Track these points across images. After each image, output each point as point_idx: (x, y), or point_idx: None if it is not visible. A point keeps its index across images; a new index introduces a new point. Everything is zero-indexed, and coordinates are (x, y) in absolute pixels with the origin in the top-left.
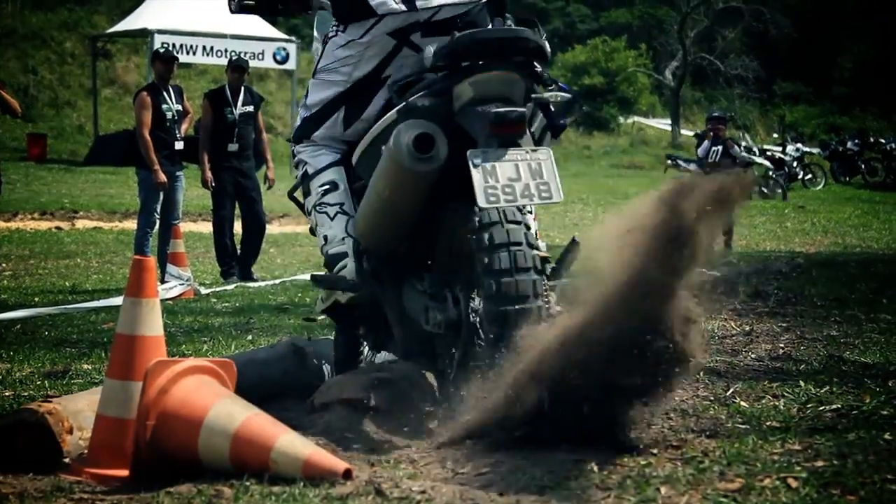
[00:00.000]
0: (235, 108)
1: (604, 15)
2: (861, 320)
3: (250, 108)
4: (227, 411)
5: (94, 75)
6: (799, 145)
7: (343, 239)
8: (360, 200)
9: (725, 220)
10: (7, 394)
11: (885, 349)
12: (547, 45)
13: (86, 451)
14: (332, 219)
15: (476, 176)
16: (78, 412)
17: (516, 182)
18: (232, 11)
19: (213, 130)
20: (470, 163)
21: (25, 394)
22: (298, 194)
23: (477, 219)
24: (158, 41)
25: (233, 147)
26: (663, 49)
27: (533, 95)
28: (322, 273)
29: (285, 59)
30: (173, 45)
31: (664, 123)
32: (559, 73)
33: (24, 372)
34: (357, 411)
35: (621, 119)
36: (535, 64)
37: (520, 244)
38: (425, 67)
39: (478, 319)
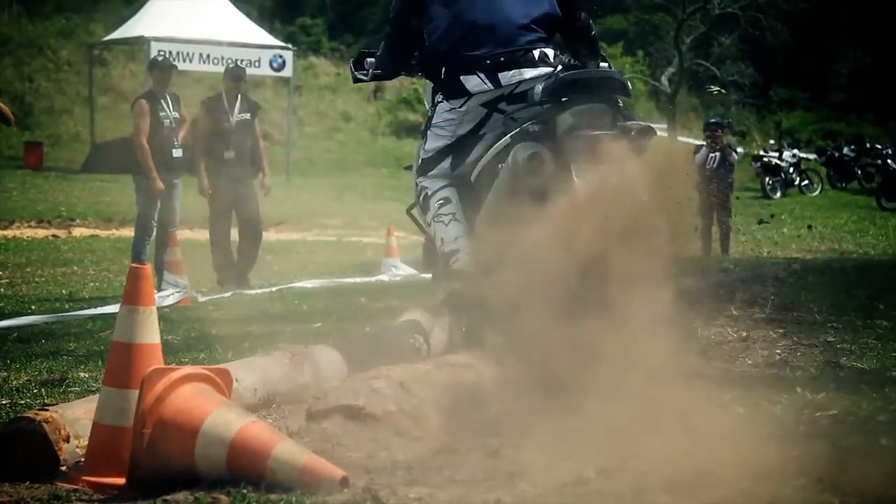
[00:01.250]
0: (232, 116)
1: (600, 21)
2: (858, 326)
3: (247, 116)
4: (224, 419)
5: (90, 83)
6: (795, 151)
7: (456, 239)
8: (469, 212)
9: (722, 226)
10: (4, 402)
11: (882, 355)
12: (628, 83)
13: (83, 459)
14: (447, 225)
15: (579, 186)
16: (75, 420)
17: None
18: (354, 81)
19: (210, 138)
20: (573, 176)
21: (22, 402)
22: (416, 212)
23: None
24: (155, 49)
25: (229, 155)
26: (659, 55)
27: (618, 123)
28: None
29: (282, 67)
30: (170, 53)
31: (661, 129)
32: None
33: (20, 380)
34: (354, 418)
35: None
36: (619, 98)
37: None
38: (534, 101)
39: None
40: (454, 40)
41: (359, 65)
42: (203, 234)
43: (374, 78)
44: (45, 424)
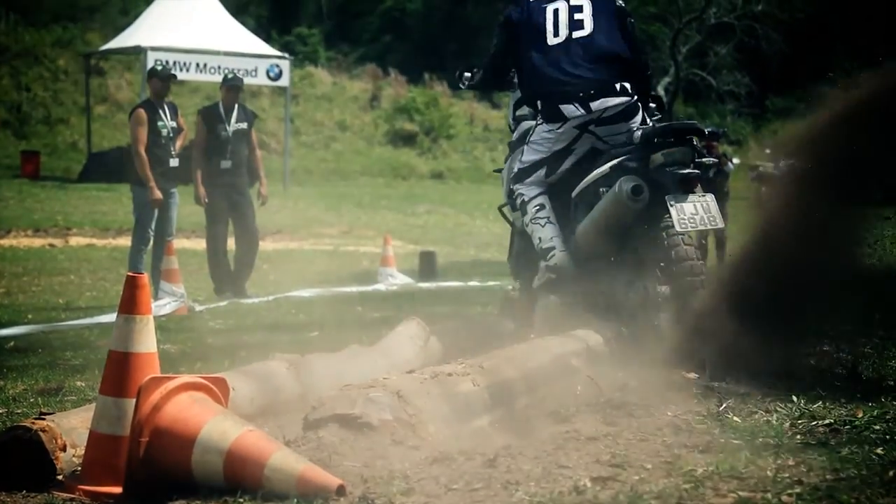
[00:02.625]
0: (229, 126)
1: None
2: (853, 335)
3: (244, 126)
4: (221, 428)
5: (87, 92)
6: (792, 160)
7: (551, 238)
8: (561, 216)
9: (718, 234)
10: (1, 411)
11: (878, 364)
12: (702, 126)
13: (79, 468)
14: (543, 227)
15: (673, 212)
16: (71, 429)
17: (696, 215)
18: (460, 88)
19: (207, 147)
20: (668, 204)
21: (19, 411)
22: (506, 211)
23: (666, 241)
24: (152, 58)
25: (226, 164)
26: (656, 65)
27: (696, 160)
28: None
29: (278, 76)
30: (167, 63)
31: None
32: None
33: (17, 389)
34: (350, 427)
35: None
36: (696, 141)
37: (693, 258)
38: (634, 142)
39: (659, 300)
40: (553, 79)
41: (462, 75)
42: (200, 244)
43: (471, 88)
44: (41, 433)
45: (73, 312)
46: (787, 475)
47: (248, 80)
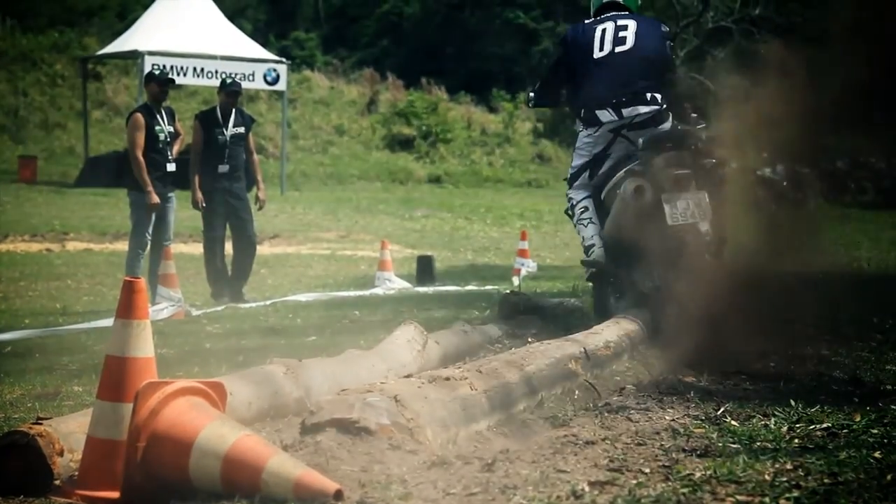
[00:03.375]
0: (227, 130)
1: None
2: (851, 339)
3: (241, 130)
4: (218, 432)
5: (84, 97)
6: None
7: (592, 237)
8: (603, 218)
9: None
10: None
11: (876, 368)
12: (703, 134)
13: (77, 473)
14: (585, 226)
15: (666, 208)
16: (69, 434)
17: (686, 210)
18: (529, 107)
19: (204, 152)
20: (663, 201)
21: (16, 416)
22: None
23: (669, 235)
24: (149, 63)
25: (223, 168)
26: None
27: (698, 163)
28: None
29: (276, 81)
30: (164, 67)
31: None
32: None
33: (14, 394)
34: (348, 432)
35: None
36: (697, 146)
37: (696, 252)
38: (638, 148)
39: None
40: (592, 88)
41: (530, 92)
42: (197, 248)
43: (535, 105)
44: (39, 438)
45: (70, 317)
46: (785, 479)
47: (245, 85)
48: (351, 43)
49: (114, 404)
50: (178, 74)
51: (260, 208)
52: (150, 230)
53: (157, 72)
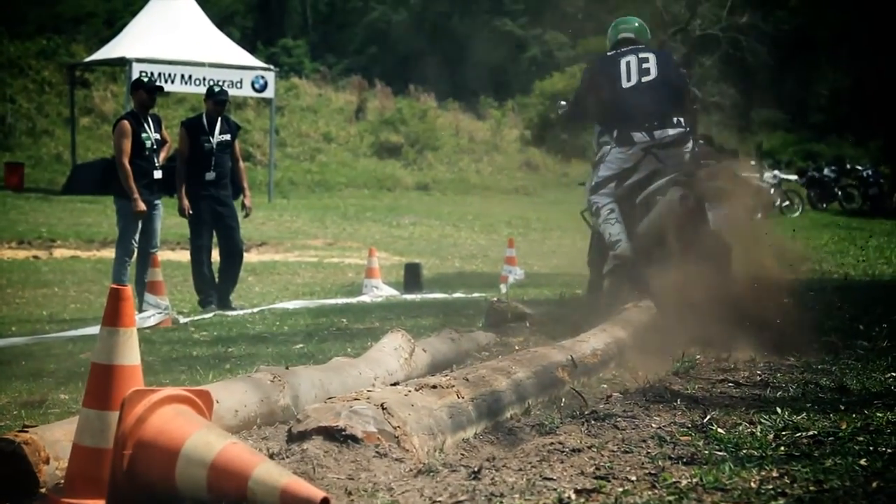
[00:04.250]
0: (213, 137)
1: (581, 43)
2: (838, 347)
3: (227, 137)
4: (205, 440)
5: (71, 104)
6: (776, 172)
7: (618, 233)
8: (629, 220)
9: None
10: None
11: (862, 376)
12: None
13: (62, 481)
14: (612, 225)
15: (710, 216)
16: (55, 442)
17: (723, 220)
18: (559, 123)
19: (191, 159)
20: (707, 209)
21: (2, 423)
22: (587, 215)
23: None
24: (137, 70)
25: (210, 176)
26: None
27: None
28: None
29: (263, 88)
30: (151, 74)
31: None
32: (538, 101)
33: (0, 401)
34: (334, 440)
35: None
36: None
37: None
38: (686, 162)
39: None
40: (626, 113)
41: (559, 102)
42: (184, 256)
43: (565, 121)
44: (24, 446)
45: (57, 324)
46: (770, 487)
47: (233, 92)
48: (339, 50)
49: (100, 412)
50: (166, 81)
51: (246, 215)
52: (137, 237)
53: (145, 79)
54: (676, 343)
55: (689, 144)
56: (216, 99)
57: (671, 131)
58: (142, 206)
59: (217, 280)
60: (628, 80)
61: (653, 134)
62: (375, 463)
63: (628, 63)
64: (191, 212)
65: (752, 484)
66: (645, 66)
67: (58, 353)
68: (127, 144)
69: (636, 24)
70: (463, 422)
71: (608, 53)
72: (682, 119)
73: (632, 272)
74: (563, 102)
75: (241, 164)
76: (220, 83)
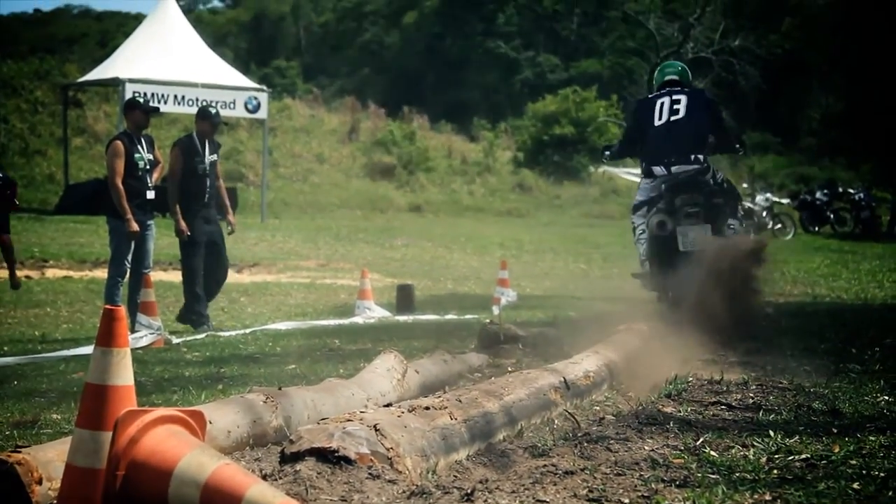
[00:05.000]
0: (206, 158)
1: (574, 65)
2: (830, 370)
3: (215, 157)
4: (198, 461)
5: (64, 124)
6: (768, 195)
7: (643, 252)
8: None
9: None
10: None
11: (855, 399)
12: (713, 181)
13: (55, 502)
14: (641, 244)
15: (679, 237)
16: (48, 462)
17: (696, 239)
18: (604, 161)
19: (184, 180)
20: (678, 232)
21: None
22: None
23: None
24: (130, 90)
25: (206, 197)
26: (633, 99)
27: (710, 201)
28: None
29: (256, 108)
30: (144, 94)
31: (634, 173)
32: (529, 123)
33: None
34: (327, 461)
35: (592, 169)
36: (711, 191)
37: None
38: (663, 192)
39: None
40: (652, 149)
41: (604, 150)
42: (176, 276)
43: (611, 158)
44: (17, 466)
45: (49, 345)
46: None
47: (226, 113)
48: (332, 71)
49: (93, 432)
50: (159, 102)
51: (231, 232)
52: (130, 257)
53: (141, 99)
54: (668, 365)
55: (708, 176)
56: (213, 121)
57: (687, 167)
58: (135, 227)
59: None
60: (659, 118)
61: (670, 169)
62: (368, 484)
63: (662, 103)
64: (189, 233)
65: None
66: (676, 106)
67: (50, 373)
68: (120, 165)
69: (679, 68)
70: (456, 443)
71: (650, 95)
72: (700, 156)
73: (649, 283)
74: (607, 153)
75: (221, 181)
76: (212, 103)
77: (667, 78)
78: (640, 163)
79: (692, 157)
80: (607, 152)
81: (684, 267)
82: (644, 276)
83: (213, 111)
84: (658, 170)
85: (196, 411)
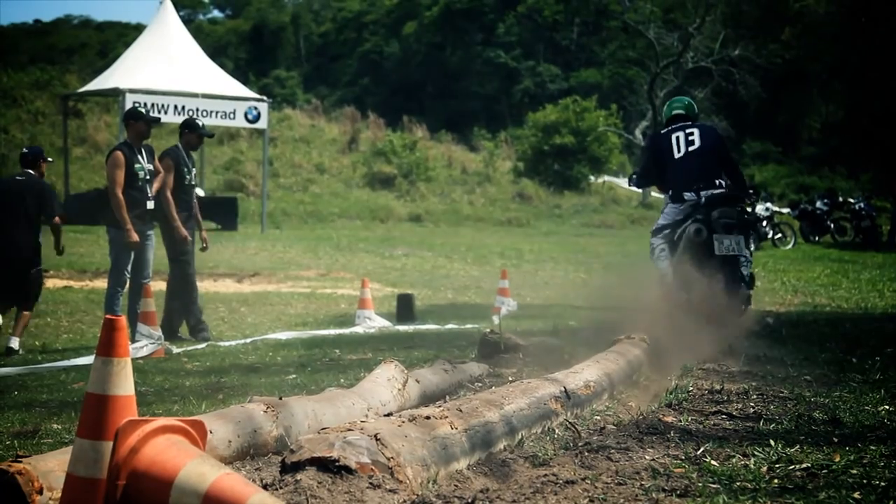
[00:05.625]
0: (192, 169)
1: (574, 75)
2: (831, 379)
3: (194, 170)
4: (198, 471)
5: (65, 134)
6: (768, 205)
7: (665, 267)
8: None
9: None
10: None
11: (856, 409)
12: (742, 195)
13: None
14: (662, 261)
15: (715, 244)
16: (48, 472)
17: (730, 246)
18: (631, 186)
19: (176, 190)
20: (714, 239)
21: None
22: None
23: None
24: (130, 100)
25: (193, 207)
26: (633, 109)
27: (742, 214)
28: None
29: (256, 119)
30: (144, 104)
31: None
32: (530, 132)
33: None
34: (328, 471)
35: (592, 178)
36: (742, 205)
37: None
38: (700, 205)
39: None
40: (679, 178)
41: (631, 175)
42: None
43: (637, 186)
44: (18, 476)
45: (49, 355)
46: None
47: (226, 123)
48: (332, 81)
49: (94, 442)
50: (160, 112)
51: (204, 249)
52: (130, 268)
53: (143, 110)
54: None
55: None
56: (206, 133)
57: (714, 191)
58: (135, 237)
59: (169, 307)
60: (678, 151)
61: (699, 194)
62: (369, 494)
63: (677, 138)
64: (190, 238)
65: None
66: (691, 138)
67: (50, 383)
68: (120, 175)
69: (686, 103)
70: (456, 453)
71: (662, 131)
72: (721, 180)
73: (672, 294)
74: (633, 177)
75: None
76: (214, 114)
77: (674, 112)
78: (666, 191)
79: (717, 182)
80: (633, 176)
81: (714, 272)
82: (667, 286)
83: (202, 123)
84: (688, 195)
85: (196, 421)
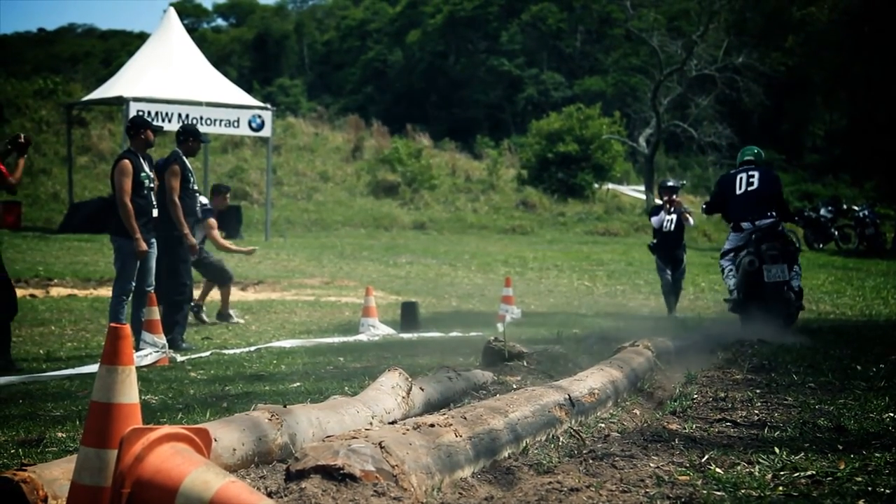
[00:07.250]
0: (193, 175)
1: (577, 83)
2: (835, 387)
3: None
4: (203, 479)
5: (69, 143)
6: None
7: (732, 285)
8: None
9: (676, 285)
10: None
11: (860, 416)
12: (789, 234)
13: None
14: (730, 280)
15: (765, 272)
16: (53, 480)
17: (778, 275)
18: (703, 212)
19: (183, 197)
20: (764, 268)
21: (0, 462)
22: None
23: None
24: (134, 109)
25: (197, 215)
26: (637, 116)
27: (786, 246)
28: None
29: (260, 127)
30: (148, 113)
31: (638, 190)
32: (534, 140)
33: None
34: (333, 478)
35: (596, 186)
36: (787, 239)
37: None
38: (752, 240)
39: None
40: (738, 212)
41: (703, 205)
42: None
43: (706, 213)
44: (23, 485)
45: (53, 363)
46: None
47: (230, 131)
48: (336, 89)
49: (98, 450)
50: (163, 120)
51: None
52: (134, 276)
53: (148, 118)
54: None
55: (780, 228)
56: (205, 140)
57: (766, 221)
58: (144, 247)
59: (162, 312)
60: (739, 189)
61: (754, 223)
62: (374, 502)
63: (741, 178)
64: (200, 247)
65: None
66: (751, 180)
67: (55, 391)
68: (128, 183)
69: (755, 151)
70: (461, 461)
71: (731, 171)
72: (773, 213)
73: (737, 308)
74: (704, 206)
75: None
76: (218, 122)
77: (745, 158)
78: (728, 221)
79: (768, 213)
80: (704, 206)
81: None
82: (733, 301)
83: (204, 136)
84: (746, 224)
85: (201, 429)
